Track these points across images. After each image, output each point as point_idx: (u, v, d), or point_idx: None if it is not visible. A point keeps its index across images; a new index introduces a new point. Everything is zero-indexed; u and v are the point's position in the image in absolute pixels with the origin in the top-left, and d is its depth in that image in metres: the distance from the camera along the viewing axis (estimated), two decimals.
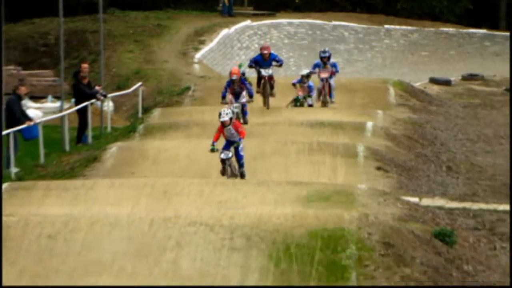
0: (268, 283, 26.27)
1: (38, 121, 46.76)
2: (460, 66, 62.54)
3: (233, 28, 67.99)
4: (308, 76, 44.11)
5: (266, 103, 42.94)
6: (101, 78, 54.93)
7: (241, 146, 33.72)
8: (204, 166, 38.78)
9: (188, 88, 53.12)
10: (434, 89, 57.72)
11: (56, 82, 54.71)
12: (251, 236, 27.56)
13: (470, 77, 60.88)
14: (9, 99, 46.87)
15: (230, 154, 31.16)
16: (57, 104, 53.08)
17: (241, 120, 40.36)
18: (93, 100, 52.03)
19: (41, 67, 57.33)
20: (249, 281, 26.38)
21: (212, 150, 33.28)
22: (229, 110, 34.49)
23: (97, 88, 52.58)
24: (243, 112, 41.29)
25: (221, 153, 32.12)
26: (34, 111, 47.98)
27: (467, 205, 35.21)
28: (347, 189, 33.31)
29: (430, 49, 66.93)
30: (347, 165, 40.02)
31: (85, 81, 53.03)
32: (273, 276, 26.36)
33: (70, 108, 50.50)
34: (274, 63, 41.87)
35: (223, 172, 32.61)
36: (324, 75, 41.25)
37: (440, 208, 34.03)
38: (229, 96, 40.25)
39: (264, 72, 41.54)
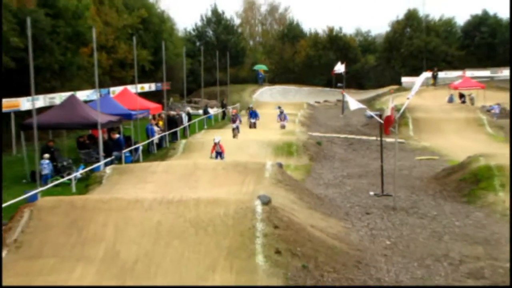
0: (273, 156, 27.52)
1: (212, 113, 48.26)
2: (323, 98, 62.56)
3: (263, 88, 66.15)
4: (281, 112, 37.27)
5: None
6: (228, 102, 55.46)
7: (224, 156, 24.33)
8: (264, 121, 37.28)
9: (251, 106, 54.86)
10: (316, 104, 57.15)
11: (216, 104, 55.80)
12: (269, 144, 29.43)
13: (325, 101, 60.20)
14: (204, 109, 48.44)
15: (218, 159, 23.41)
16: (217, 109, 52.42)
17: (237, 131, 33.43)
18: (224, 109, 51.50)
19: (213, 99, 58.55)
20: (269, 155, 27.86)
21: (211, 157, 24.40)
22: (220, 137, 25.70)
23: (227, 106, 52.13)
24: (237, 128, 32.90)
25: (212, 158, 23.84)
26: (211, 110, 48.75)
27: (325, 134, 36.46)
28: (293, 131, 35.31)
29: (316, 94, 66.25)
30: (293, 124, 39.40)
31: (225, 102, 53.30)
32: (274, 154, 28.20)
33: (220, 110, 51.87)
34: (256, 117, 35.38)
35: None
36: (282, 123, 35.41)
37: (318, 135, 35.36)
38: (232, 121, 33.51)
39: (252, 120, 34.86)
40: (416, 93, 21.23)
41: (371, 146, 31.97)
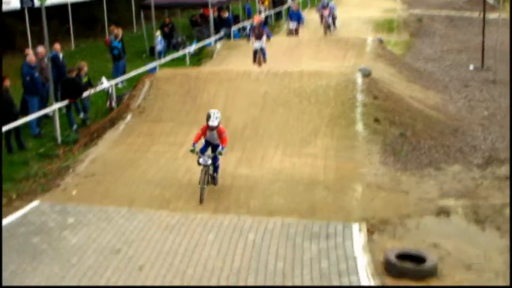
0: (374, 32, 25.24)
1: None
2: None
3: None
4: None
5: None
6: None
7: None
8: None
9: None
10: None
11: None
12: (370, 20, 27.41)
13: None
14: None
15: (209, 162, 10.22)
16: None
17: (262, 59, 18.57)
18: None
19: None
20: (370, 31, 25.50)
21: (192, 151, 10.61)
22: (219, 114, 10.33)
23: None
24: (263, 53, 18.61)
25: (199, 157, 10.36)
26: None
27: (426, 11, 32.87)
28: (394, 8, 32.49)
29: None
30: (394, 2, 34.95)
31: None
32: (375, 30, 26.28)
33: None
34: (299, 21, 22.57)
35: (202, 181, 10.11)
36: (326, 13, 22.63)
37: (419, 13, 32.11)
38: (252, 39, 18.67)
39: (292, 26, 22.68)
40: None
41: (473, 22, 29.63)
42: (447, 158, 11.55)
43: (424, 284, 7.55)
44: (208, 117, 10.11)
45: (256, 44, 18.49)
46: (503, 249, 8.42)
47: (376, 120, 12.75)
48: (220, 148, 10.15)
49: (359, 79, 14.28)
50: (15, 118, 12.57)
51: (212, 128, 10.17)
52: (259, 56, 18.48)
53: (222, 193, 10.31)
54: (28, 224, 9.22)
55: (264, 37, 18.63)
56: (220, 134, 10.19)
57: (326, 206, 9.61)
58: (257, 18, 20.22)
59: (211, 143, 10.36)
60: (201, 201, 10.04)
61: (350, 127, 12.60)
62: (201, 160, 10.10)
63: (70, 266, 7.97)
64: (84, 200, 10.03)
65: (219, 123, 10.19)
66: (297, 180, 10.61)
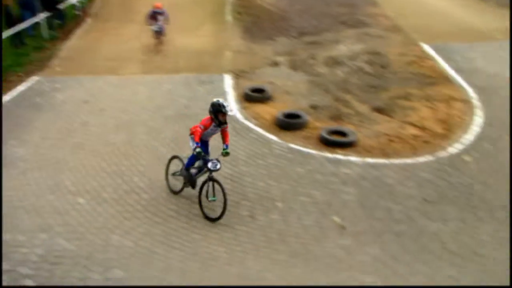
0: None
1: None
2: None
3: None
4: None
5: None
6: None
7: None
8: None
9: None
10: None
11: None
12: None
13: None
14: None
15: (219, 166, 3.78)
16: None
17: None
18: None
19: None
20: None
21: (199, 154, 3.79)
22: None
23: None
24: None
25: (208, 161, 3.84)
26: None
27: None
28: None
29: None
30: None
31: None
32: None
33: None
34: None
35: (212, 194, 3.95)
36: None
37: None
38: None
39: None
40: None
41: None
42: (278, 33, 10.97)
43: (265, 104, 7.31)
44: (220, 107, 4.54)
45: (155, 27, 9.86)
46: (304, 81, 8.34)
47: (239, 13, 11.82)
48: (225, 146, 4.59)
49: None
50: (14, 25, 10.53)
51: (224, 122, 4.61)
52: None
53: (150, 61, 9.31)
54: (32, 90, 8.16)
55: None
56: (225, 129, 4.67)
57: (210, 65, 9.07)
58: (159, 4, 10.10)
59: (204, 140, 4.74)
60: (212, 219, 4.55)
61: (223, 17, 11.58)
62: (210, 165, 4.48)
63: (59, 112, 7.28)
64: (65, 74, 8.90)
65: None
66: (193, 50, 9.83)
